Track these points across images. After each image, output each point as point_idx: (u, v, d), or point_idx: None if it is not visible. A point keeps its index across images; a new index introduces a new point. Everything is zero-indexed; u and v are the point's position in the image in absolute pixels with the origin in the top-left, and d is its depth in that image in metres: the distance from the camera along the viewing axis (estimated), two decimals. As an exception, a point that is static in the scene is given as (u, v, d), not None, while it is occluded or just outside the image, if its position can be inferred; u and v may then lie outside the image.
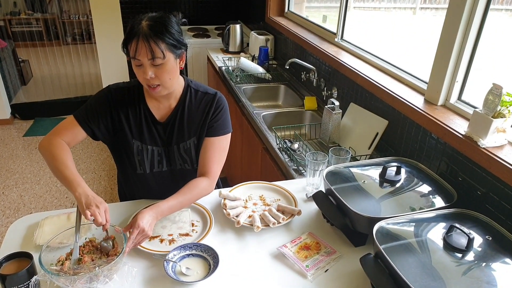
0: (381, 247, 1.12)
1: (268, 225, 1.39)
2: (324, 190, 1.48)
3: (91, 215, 1.14)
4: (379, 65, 2.09)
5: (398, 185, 1.41)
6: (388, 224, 1.22)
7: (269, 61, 3.17)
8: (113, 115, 1.42)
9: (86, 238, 1.25)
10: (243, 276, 1.22)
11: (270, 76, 2.95)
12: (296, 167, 1.82)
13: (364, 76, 1.98)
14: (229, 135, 1.51)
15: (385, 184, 1.42)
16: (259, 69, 2.98)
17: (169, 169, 1.54)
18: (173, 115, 1.47)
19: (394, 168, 1.45)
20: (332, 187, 1.39)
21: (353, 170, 1.53)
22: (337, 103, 1.97)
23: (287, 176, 1.83)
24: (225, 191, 1.55)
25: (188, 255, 1.27)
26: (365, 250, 1.32)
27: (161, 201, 1.33)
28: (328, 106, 2.00)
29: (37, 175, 3.47)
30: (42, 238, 1.30)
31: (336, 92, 2.31)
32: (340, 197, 1.34)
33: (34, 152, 3.82)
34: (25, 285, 1.07)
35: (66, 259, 1.17)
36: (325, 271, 1.24)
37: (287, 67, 2.60)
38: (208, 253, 1.27)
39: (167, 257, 1.22)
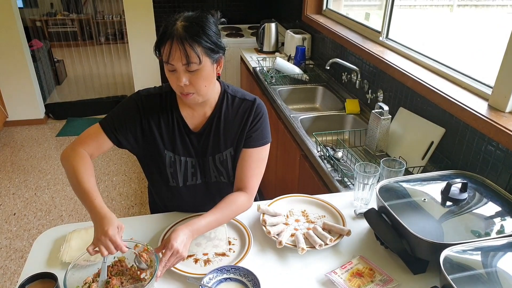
0: (450, 279, 0.96)
1: (314, 247, 1.24)
2: (376, 207, 1.32)
3: (93, 250, 1.03)
4: (431, 66, 1.90)
5: (463, 204, 1.23)
6: (456, 251, 1.05)
7: (305, 61, 3.01)
8: (143, 124, 1.31)
9: (115, 257, 1.14)
10: (287, 306, 1.08)
11: (307, 77, 2.80)
12: (340, 178, 1.67)
13: (415, 78, 1.80)
14: (269, 145, 1.37)
15: (448, 203, 1.24)
16: (296, 70, 2.83)
17: (203, 182, 1.42)
18: (208, 124, 1.34)
19: (459, 185, 1.27)
20: (386, 205, 1.23)
21: (409, 185, 1.36)
22: (386, 107, 1.80)
23: (330, 188, 1.67)
24: (264, 205, 1.41)
25: (226, 279, 1.14)
26: (426, 278, 1.16)
27: (197, 217, 1.20)
28: (376, 110, 1.83)
29: (68, 176, 3.45)
30: (68, 254, 1.20)
31: (382, 95, 2.13)
32: (397, 217, 1.17)
33: (66, 152, 3.81)
34: (48, 311, 0.97)
35: (93, 281, 1.07)
36: (381, 304, 1.09)
37: (328, 68, 2.43)
38: (248, 278, 1.13)
39: (202, 282, 1.10)
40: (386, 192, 1.31)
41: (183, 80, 1.17)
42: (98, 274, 1.09)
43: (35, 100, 4.30)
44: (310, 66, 3.07)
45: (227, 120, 1.34)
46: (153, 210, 1.60)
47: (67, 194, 3.22)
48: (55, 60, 5.31)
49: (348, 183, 1.64)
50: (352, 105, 2.30)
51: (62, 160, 1.27)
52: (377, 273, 1.17)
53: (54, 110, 4.54)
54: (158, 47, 1.19)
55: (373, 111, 1.85)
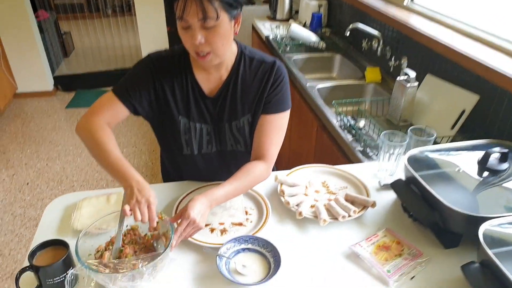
0: (491, 254, 0.88)
1: (336, 218, 1.17)
2: (404, 178, 1.24)
3: (130, 210, 0.98)
4: (463, 29, 1.77)
5: (503, 175, 1.14)
6: (495, 225, 0.97)
7: (322, 29, 2.88)
8: (157, 88, 1.22)
9: (127, 225, 1.08)
10: (308, 279, 1.02)
11: (324, 45, 2.67)
12: (362, 149, 1.58)
13: (444, 43, 1.68)
14: (289, 112, 1.28)
15: (485, 174, 1.15)
16: (312, 37, 2.70)
17: (219, 150, 1.34)
18: (224, 88, 1.25)
19: (498, 155, 1.17)
20: (417, 175, 1.15)
21: (441, 154, 1.27)
22: (413, 74, 1.68)
23: (351, 160, 1.59)
24: (281, 175, 1.33)
25: (244, 249, 1.08)
26: (459, 253, 1.08)
27: (214, 187, 1.13)
28: (401, 78, 1.72)
29: (79, 148, 3.41)
30: (80, 222, 1.15)
31: (406, 62, 2.01)
32: (429, 188, 1.09)
33: (75, 124, 3.75)
34: (61, 278, 0.92)
35: (105, 249, 1.01)
36: (411, 278, 1.02)
37: (347, 34, 2.31)
38: (267, 249, 1.07)
39: (219, 252, 1.03)
40: (415, 162, 1.22)
41: (199, 38, 1.07)
42: (110, 243, 1.03)
43: (44, 72, 4.23)
44: (326, 34, 2.93)
45: (244, 84, 1.25)
46: (166, 180, 1.53)
47: (78, 165, 3.18)
48: (62, 32, 5.21)
49: (371, 153, 1.55)
50: (372, 73, 2.19)
51: (80, 132, 1.19)
52: (405, 246, 1.10)
53: (62, 82, 4.48)
54: (170, 2, 1.09)
55: (398, 78, 1.74)
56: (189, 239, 1.09)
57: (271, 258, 1.05)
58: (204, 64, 1.17)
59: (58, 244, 0.97)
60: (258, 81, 1.25)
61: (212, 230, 1.16)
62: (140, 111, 1.24)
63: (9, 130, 3.64)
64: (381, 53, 2.25)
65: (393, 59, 2.12)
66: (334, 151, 1.73)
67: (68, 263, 0.94)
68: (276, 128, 1.26)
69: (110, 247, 1.01)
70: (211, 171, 1.37)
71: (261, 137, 1.26)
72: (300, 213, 1.17)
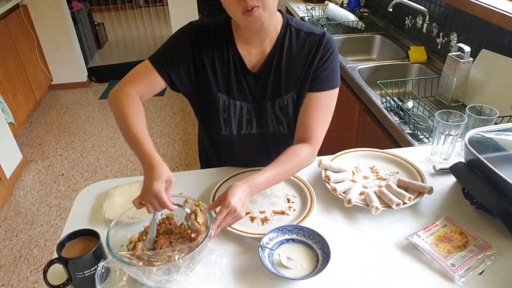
0: None
1: (390, 206, 1.06)
2: (464, 161, 1.11)
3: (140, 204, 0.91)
4: (522, -2, 1.59)
5: None
6: None
7: (360, 8, 2.72)
8: (196, 59, 1.13)
9: (162, 214, 1.00)
10: (361, 273, 0.91)
11: (363, 25, 2.52)
12: (411, 131, 1.44)
13: (502, 11, 1.51)
14: (337, 90, 1.17)
15: None
16: (350, 17, 2.55)
17: (259, 132, 1.24)
18: (267, 63, 1.15)
19: None
20: (481, 157, 1.01)
21: (504, 135, 1.13)
22: (467, 48, 1.53)
23: (399, 143, 1.46)
24: (326, 160, 1.23)
25: (288, 240, 0.99)
26: (534, 246, 0.95)
27: (256, 173, 1.04)
28: (453, 53, 1.57)
29: (112, 138, 3.41)
30: (112, 211, 1.09)
31: (456, 38, 1.84)
32: (497, 172, 0.96)
33: (109, 115, 3.77)
34: (91, 270, 0.86)
35: (139, 240, 0.94)
36: (480, 273, 0.89)
37: (390, 10, 2.15)
38: (314, 239, 0.97)
39: (262, 242, 0.95)
40: (476, 144, 1.08)
41: None
42: (144, 233, 0.96)
43: (78, 63, 4.27)
44: (365, 14, 2.77)
45: (290, 58, 1.14)
46: (204, 166, 1.45)
47: (112, 156, 3.18)
48: (96, 23, 5.25)
49: (422, 136, 1.42)
50: (417, 53, 2.03)
51: (109, 101, 1.11)
52: (470, 237, 0.98)
53: (96, 73, 4.51)
54: None
55: (449, 54, 1.58)
56: (228, 228, 1.01)
57: (318, 249, 0.95)
58: (251, 23, 1.02)
59: (88, 235, 0.91)
60: (305, 55, 1.14)
61: (252, 219, 1.07)
62: (177, 83, 1.14)
63: (45, 122, 3.70)
64: (426, 30, 2.08)
65: (440, 36, 1.95)
66: (379, 135, 1.60)
67: (99, 255, 0.87)
68: (323, 107, 1.14)
69: (144, 237, 0.94)
70: (250, 155, 1.28)
71: (306, 118, 1.15)
72: (349, 201, 1.06)
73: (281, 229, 0.99)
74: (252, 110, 1.20)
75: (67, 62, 4.20)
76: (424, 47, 2.06)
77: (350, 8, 2.69)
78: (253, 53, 1.14)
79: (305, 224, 1.01)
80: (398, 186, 1.12)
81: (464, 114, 1.22)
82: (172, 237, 0.95)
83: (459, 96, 1.60)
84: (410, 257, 0.94)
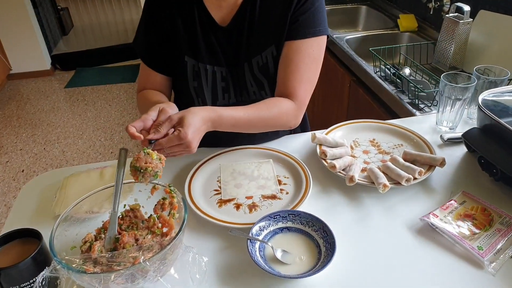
0: None
1: (398, 183, 0.89)
2: (479, 127, 0.96)
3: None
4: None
5: None
6: None
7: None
8: (162, 25, 0.98)
9: (125, 205, 0.81)
10: (374, 262, 0.75)
11: (346, -5, 2.34)
12: (411, 100, 1.29)
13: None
14: (324, 39, 0.98)
15: None
16: (333, -14, 2.37)
17: (239, 102, 1.05)
18: (239, 15, 0.96)
19: None
20: (501, 121, 0.86)
21: (522, 96, 0.99)
22: (466, 7, 1.37)
23: (398, 114, 1.31)
24: (320, 134, 1.05)
25: (282, 229, 0.81)
26: None
27: (223, 108, 0.88)
28: (451, 15, 1.41)
29: (79, 129, 3.15)
30: (63, 205, 0.89)
31: (449, 2, 1.69)
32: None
33: (76, 104, 3.50)
34: (30, 283, 0.66)
35: (96, 239, 0.75)
36: (511, 257, 0.74)
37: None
38: (314, 226, 0.80)
39: (251, 233, 0.77)
40: (491, 107, 0.93)
41: None
42: (102, 229, 0.77)
43: (39, 50, 3.95)
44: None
45: (265, 5, 0.96)
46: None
47: (79, 148, 2.93)
48: (59, 7, 4.90)
49: (422, 105, 1.26)
50: (407, 20, 1.87)
51: None
52: (494, 213, 0.83)
53: (61, 61, 4.20)
54: None
55: (446, 15, 1.43)
56: (208, 217, 0.83)
57: (320, 239, 0.78)
58: None
59: (28, 236, 0.71)
60: None
61: (237, 206, 0.89)
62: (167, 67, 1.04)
63: (3, 114, 3.39)
64: (416, -5, 1.93)
65: (432, 0, 1.80)
66: (373, 107, 1.44)
67: (40, 262, 0.68)
68: (305, 59, 0.95)
69: (103, 235, 0.75)
70: (229, 133, 1.09)
71: (286, 72, 0.96)
72: (352, 178, 0.89)
73: (273, 216, 0.82)
74: (228, 75, 1.01)
75: (27, 49, 3.89)
76: (414, 15, 1.90)
77: (332, -23, 2.51)
78: (222, 6, 0.96)
79: (301, 209, 0.84)
80: (405, 160, 0.96)
81: (472, 76, 1.07)
82: (139, 233, 0.76)
83: (457, 61, 1.45)
84: (428, 241, 0.79)
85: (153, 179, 0.76)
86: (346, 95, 1.70)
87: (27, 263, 0.64)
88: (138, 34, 1.04)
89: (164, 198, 0.80)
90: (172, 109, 0.84)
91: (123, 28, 5.10)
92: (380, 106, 1.42)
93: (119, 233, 0.75)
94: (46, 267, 0.66)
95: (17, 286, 0.64)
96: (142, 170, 0.74)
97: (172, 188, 0.79)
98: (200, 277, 0.66)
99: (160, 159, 0.76)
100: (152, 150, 0.77)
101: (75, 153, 2.88)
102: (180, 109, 1.14)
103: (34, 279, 0.65)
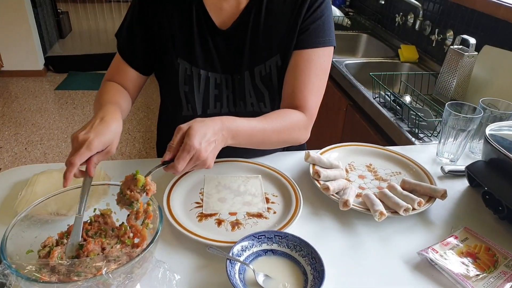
0: None
1: (396, 212, 0.83)
2: (484, 160, 0.90)
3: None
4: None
5: None
6: None
7: (345, 7, 2.55)
8: (150, 22, 0.91)
9: (95, 209, 0.73)
10: (367, 300, 0.67)
11: (348, 22, 2.34)
12: (410, 129, 1.24)
13: (509, 5, 1.35)
14: (332, 50, 0.93)
15: None
16: (336, 12, 2.37)
17: (232, 112, 0.99)
18: (242, 19, 0.90)
19: None
20: (511, 155, 0.81)
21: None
22: (472, 40, 1.35)
23: (396, 143, 1.25)
24: (314, 153, 0.99)
25: (266, 251, 0.73)
26: None
27: (235, 117, 0.80)
28: (455, 46, 1.39)
29: (64, 132, 3.06)
30: (28, 203, 0.80)
31: (452, 36, 1.68)
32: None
33: (64, 106, 3.41)
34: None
35: (57, 243, 0.66)
36: (518, 305, 0.67)
37: (383, 2, 1.97)
38: (302, 252, 0.72)
39: (231, 253, 0.69)
40: (498, 141, 0.88)
41: None
42: (66, 234, 0.68)
43: (34, 49, 3.88)
44: (350, 13, 2.60)
45: (271, 11, 0.90)
46: (161, 154, 1.18)
47: (61, 151, 2.83)
48: (59, 10, 4.86)
49: (422, 135, 1.21)
50: (408, 51, 1.85)
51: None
52: (499, 254, 0.76)
53: (55, 63, 4.13)
54: None
55: (451, 47, 1.40)
56: (185, 232, 0.75)
57: (307, 265, 0.70)
58: None
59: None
60: (290, 5, 0.90)
61: (219, 222, 0.81)
62: (141, 65, 0.97)
63: (-12, 110, 3.29)
64: (419, 28, 1.91)
65: (436, 33, 1.78)
66: (370, 133, 1.39)
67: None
68: (316, 68, 0.90)
69: (65, 240, 0.66)
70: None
71: (295, 82, 0.90)
72: (346, 203, 0.82)
73: (258, 237, 0.74)
74: (223, 83, 0.95)
75: (21, 48, 3.82)
76: (415, 46, 1.88)
77: (336, 4, 2.51)
78: (224, 8, 0.90)
79: (289, 231, 0.77)
80: (403, 189, 0.90)
81: (478, 108, 1.02)
82: (106, 242, 0.67)
83: (459, 94, 1.42)
84: (426, 278, 0.72)
85: (129, 208, 0.68)
86: (342, 119, 1.65)
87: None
88: (122, 24, 0.96)
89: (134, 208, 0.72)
90: (109, 130, 0.72)
91: (121, 37, 5.07)
92: (376, 133, 1.37)
93: (84, 240, 0.67)
94: (-7, 273, 0.57)
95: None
96: (122, 195, 0.67)
97: (153, 202, 0.71)
98: (170, 297, 0.58)
99: (145, 189, 0.69)
100: (164, 169, 0.70)
101: (57, 155, 2.77)
102: (168, 113, 1.08)
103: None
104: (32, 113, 3.29)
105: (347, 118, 1.61)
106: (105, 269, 0.55)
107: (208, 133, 0.71)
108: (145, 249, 0.59)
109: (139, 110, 3.37)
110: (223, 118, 0.77)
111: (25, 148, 2.84)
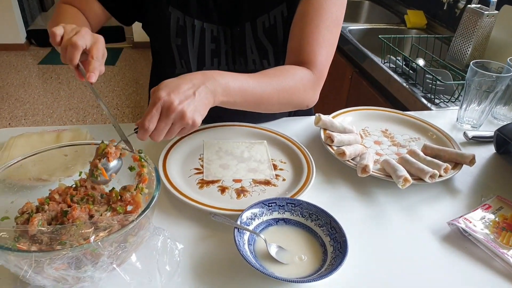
0: None
1: (420, 179, 0.74)
2: (516, 124, 0.82)
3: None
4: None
5: None
6: None
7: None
8: None
9: (81, 172, 0.63)
10: (390, 272, 0.59)
11: (349, -11, 2.21)
12: (425, 94, 1.15)
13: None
14: (346, 2, 0.83)
15: None
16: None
17: (231, 70, 0.88)
18: None
19: None
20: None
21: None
22: (492, -1, 1.25)
23: (410, 109, 1.16)
24: (326, 117, 0.89)
25: (277, 221, 0.64)
26: None
27: (226, 72, 0.69)
28: (473, 6, 1.29)
29: (50, 107, 2.91)
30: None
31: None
32: None
33: (49, 81, 3.25)
34: None
35: (37, 210, 0.56)
36: (562, 278, 0.60)
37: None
38: (319, 221, 0.63)
39: (239, 221, 0.60)
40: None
41: None
42: (47, 199, 0.58)
43: (15, 22, 3.68)
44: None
45: None
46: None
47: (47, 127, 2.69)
48: (41, -19, 4.62)
49: (438, 100, 1.12)
50: (415, 17, 1.75)
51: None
52: (537, 225, 0.68)
53: (37, 37, 3.93)
54: None
55: (469, 5, 1.30)
56: (186, 199, 0.65)
57: (325, 236, 0.62)
58: None
59: None
60: None
61: (222, 189, 0.72)
62: (112, 4, 0.83)
63: (-32, 84, 3.12)
64: (428, -8, 1.80)
65: (446, -4, 1.68)
66: (379, 101, 1.30)
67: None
68: (327, 19, 0.78)
69: (46, 206, 0.56)
70: (217, 110, 0.91)
71: (303, 34, 0.78)
72: (366, 169, 0.73)
73: (268, 204, 0.65)
74: (221, 36, 0.84)
75: (1, 21, 3.61)
76: (422, 11, 1.78)
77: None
78: None
79: (302, 198, 0.68)
80: (425, 154, 0.81)
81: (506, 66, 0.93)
82: (95, 209, 0.58)
83: (476, 57, 1.32)
84: (458, 250, 0.63)
85: (93, 180, 0.59)
86: (346, 87, 1.55)
87: None
88: None
89: (131, 168, 0.62)
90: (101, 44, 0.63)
91: (109, 10, 4.86)
92: (386, 100, 1.27)
93: (69, 206, 0.57)
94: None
95: None
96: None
97: (142, 155, 0.61)
98: (171, 270, 0.49)
99: (104, 153, 0.59)
100: (138, 136, 0.60)
101: (41, 131, 2.63)
102: (160, 73, 0.96)
103: None
104: (15, 88, 3.12)
105: (352, 86, 1.51)
106: (94, 236, 0.46)
107: (183, 85, 0.60)
108: (140, 214, 0.49)
109: (127, 85, 3.23)
110: (206, 72, 0.65)
111: (9, 124, 2.69)
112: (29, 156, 0.60)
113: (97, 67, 0.60)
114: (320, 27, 0.77)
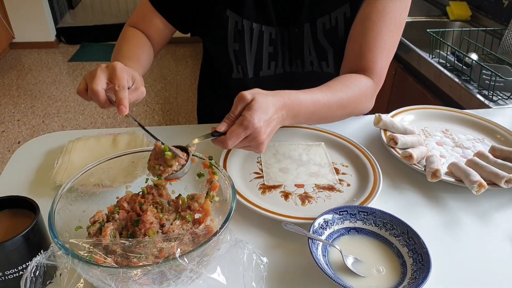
0: None
1: (494, 184, 0.70)
2: None
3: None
4: None
5: None
6: None
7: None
8: None
9: (147, 179, 0.62)
10: (473, 282, 0.56)
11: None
12: (480, 91, 1.10)
13: None
14: (409, 4, 0.79)
15: None
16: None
17: (287, 73, 0.85)
18: None
19: None
20: None
21: None
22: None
23: (463, 107, 1.11)
24: (386, 117, 0.86)
25: (349, 230, 0.62)
26: None
27: (295, 91, 0.67)
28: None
29: (81, 104, 2.94)
30: (66, 173, 0.69)
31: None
32: None
33: (79, 78, 3.28)
34: (17, 272, 0.46)
35: (108, 219, 0.55)
36: None
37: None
38: (394, 230, 0.61)
39: (311, 231, 0.57)
40: None
41: None
42: (116, 207, 0.57)
43: (45, 21, 3.73)
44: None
45: None
46: (202, 121, 1.06)
47: (79, 124, 2.73)
48: (68, -21, 4.68)
49: (496, 98, 1.07)
50: (459, 8, 1.68)
51: None
52: None
53: (66, 34, 3.98)
54: None
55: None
56: (256, 209, 0.63)
57: (402, 247, 0.59)
58: None
59: (20, 207, 0.51)
60: None
61: (285, 195, 0.69)
62: (176, 20, 0.83)
63: (2, 83, 3.17)
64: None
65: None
66: (428, 98, 1.25)
67: (35, 243, 0.48)
68: (390, 23, 0.75)
69: (117, 215, 0.55)
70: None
71: (364, 38, 0.75)
72: (436, 173, 0.70)
73: (339, 212, 0.62)
74: (278, 38, 0.81)
75: (32, 19, 3.66)
76: (466, 2, 1.71)
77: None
78: None
79: (371, 206, 0.65)
80: (494, 157, 0.77)
81: None
82: (164, 217, 0.56)
83: (529, 53, 1.26)
84: (544, 263, 0.59)
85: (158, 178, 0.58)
86: (389, 84, 1.50)
87: (16, 242, 0.45)
88: None
89: (199, 175, 0.61)
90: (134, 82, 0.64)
91: (133, 6, 4.88)
92: (435, 97, 1.22)
93: (138, 215, 0.55)
94: (42, 251, 0.46)
95: (2, 274, 0.45)
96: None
97: (213, 162, 0.59)
98: (258, 286, 0.46)
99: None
100: (213, 141, 0.59)
101: (74, 128, 2.66)
102: (213, 77, 0.94)
103: (24, 265, 0.46)
104: (47, 85, 3.17)
105: (395, 82, 1.46)
106: (179, 250, 0.44)
107: (270, 110, 0.59)
108: (223, 226, 0.47)
109: (155, 81, 3.24)
110: (285, 93, 0.63)
111: (43, 121, 2.74)
112: (96, 166, 0.59)
113: (124, 96, 0.57)
114: (382, 32, 0.74)
